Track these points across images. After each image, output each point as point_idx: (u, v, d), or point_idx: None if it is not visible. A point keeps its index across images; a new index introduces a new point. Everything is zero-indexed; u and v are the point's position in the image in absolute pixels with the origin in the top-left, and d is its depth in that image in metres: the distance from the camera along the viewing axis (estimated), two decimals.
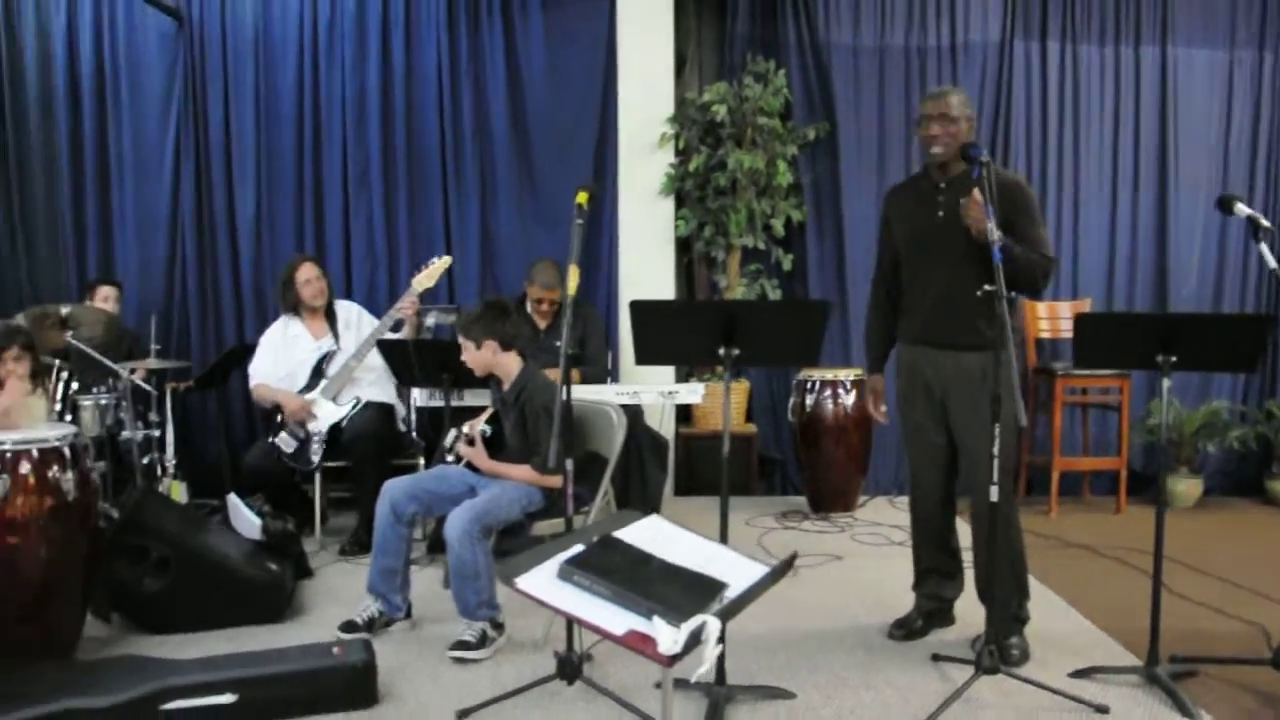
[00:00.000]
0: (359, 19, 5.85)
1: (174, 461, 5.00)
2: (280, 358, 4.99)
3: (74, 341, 4.64)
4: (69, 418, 4.65)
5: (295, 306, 5.01)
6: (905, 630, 3.63)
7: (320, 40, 5.87)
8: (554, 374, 4.86)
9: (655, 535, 2.05)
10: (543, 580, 1.81)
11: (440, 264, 4.95)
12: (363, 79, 5.87)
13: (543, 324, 5.05)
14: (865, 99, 6.06)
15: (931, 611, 3.68)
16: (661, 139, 5.92)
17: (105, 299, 5.30)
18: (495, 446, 3.77)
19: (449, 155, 5.92)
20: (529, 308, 5.08)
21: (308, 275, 4.97)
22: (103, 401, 4.84)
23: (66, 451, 3.27)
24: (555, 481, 3.49)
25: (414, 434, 5.15)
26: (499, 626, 3.52)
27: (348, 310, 5.17)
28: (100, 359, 4.70)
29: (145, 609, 3.69)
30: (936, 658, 3.40)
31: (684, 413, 6.06)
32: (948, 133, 3.29)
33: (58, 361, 4.65)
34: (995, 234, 2.96)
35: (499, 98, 5.93)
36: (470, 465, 3.77)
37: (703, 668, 1.63)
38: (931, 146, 3.33)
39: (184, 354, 5.82)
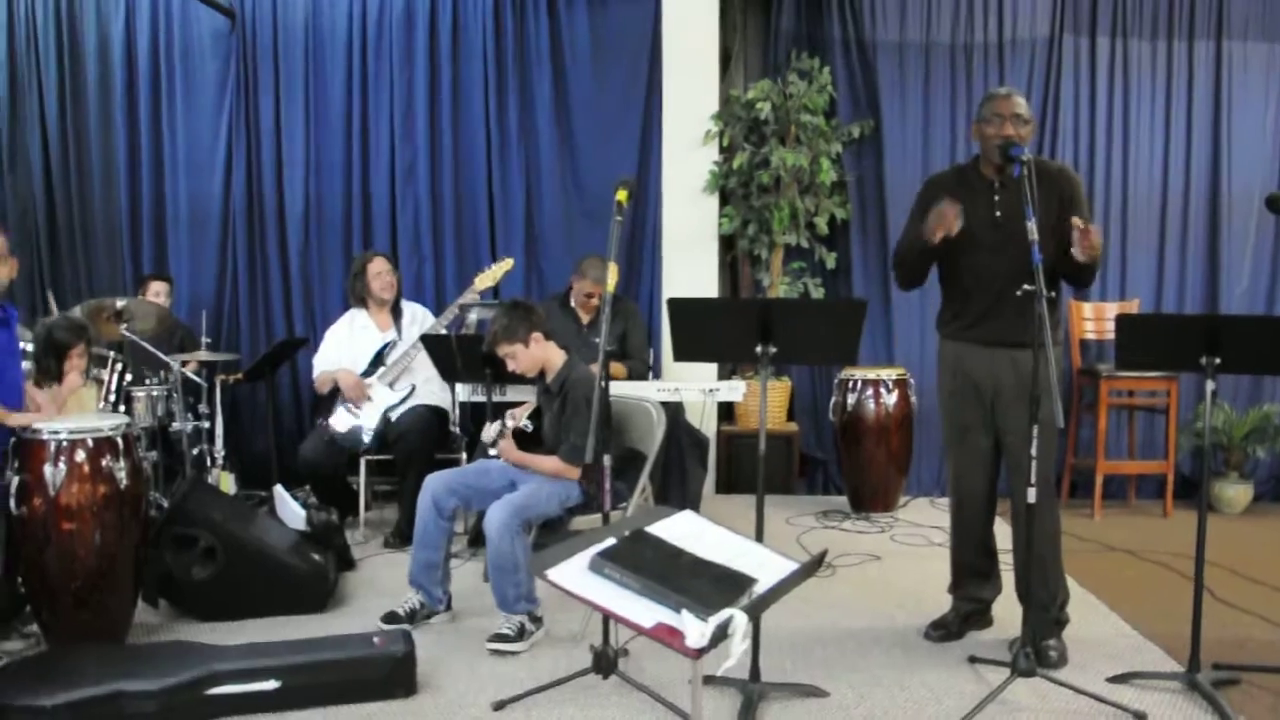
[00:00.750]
0: (407, 15, 5.92)
1: (223, 452, 5.10)
2: (345, 348, 5.11)
3: (128, 334, 4.77)
4: (122, 408, 4.76)
5: (364, 298, 5.14)
6: (942, 631, 3.62)
7: (369, 37, 5.95)
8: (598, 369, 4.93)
9: (687, 530, 2.06)
10: (574, 572, 1.83)
11: (502, 266, 5.08)
12: (410, 75, 5.95)
13: (586, 319, 5.10)
14: (910, 96, 6.02)
15: (969, 613, 3.66)
16: (706, 136, 5.93)
17: (156, 294, 5.42)
18: (534, 441, 3.81)
19: (494, 150, 5.97)
20: (574, 301, 5.13)
21: (379, 268, 5.11)
22: (155, 393, 4.94)
23: (119, 441, 3.37)
24: (577, 473, 3.54)
25: (457, 429, 5.21)
26: (537, 620, 3.56)
27: (414, 309, 5.31)
28: (153, 351, 4.82)
29: (192, 596, 3.78)
30: (973, 659, 3.38)
31: (727, 410, 6.07)
32: (1019, 133, 3.26)
33: (112, 353, 4.77)
34: (1035, 234, 2.94)
35: (544, 93, 5.97)
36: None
37: (729, 661, 1.64)
38: (1010, 145, 3.17)
39: (234, 347, 5.93)
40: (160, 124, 6.00)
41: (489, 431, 3.84)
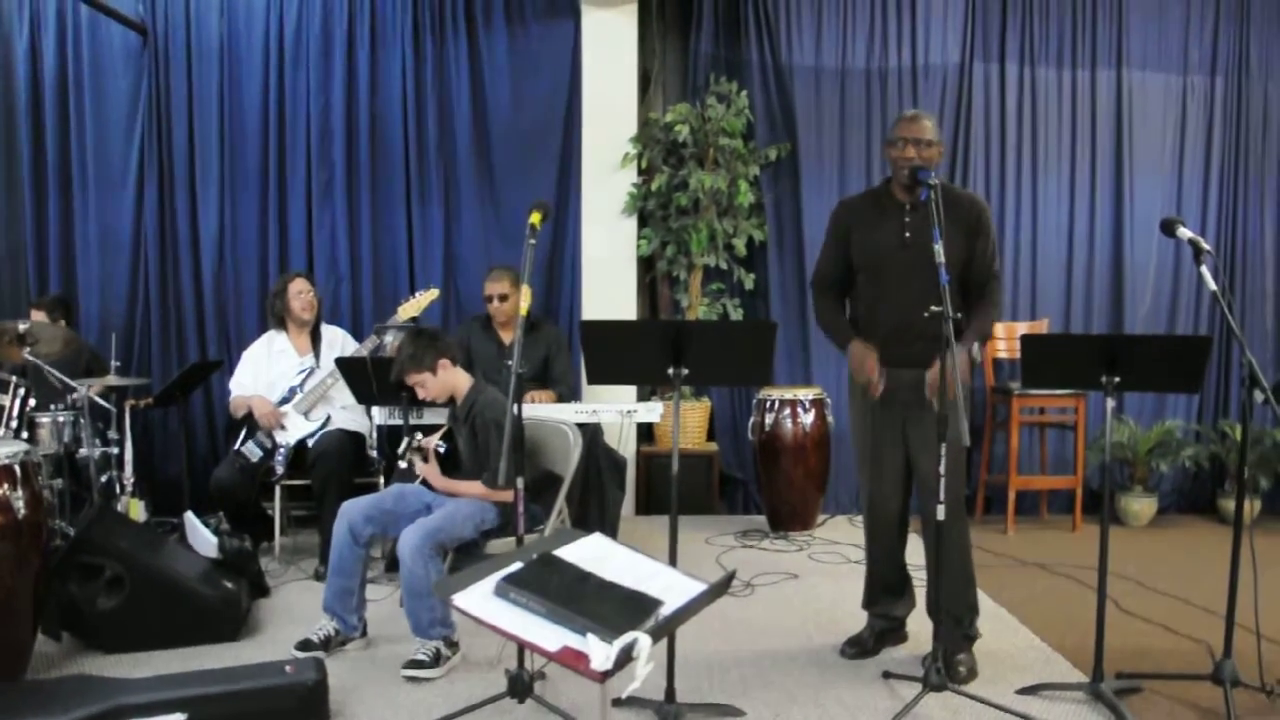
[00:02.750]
0: (324, 35, 5.86)
1: (132, 479, 4.96)
2: (262, 371, 5.02)
3: (31, 358, 4.62)
4: (25, 435, 4.61)
5: (283, 319, 5.06)
6: (857, 649, 3.66)
7: (286, 55, 5.87)
8: (534, 396, 4.92)
9: (596, 553, 2.06)
10: (480, 597, 1.82)
11: (427, 295, 5.04)
12: (327, 95, 5.88)
13: (507, 339, 5.08)
14: (826, 120, 6.13)
15: (884, 630, 3.71)
16: (625, 158, 5.97)
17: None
18: (450, 464, 3.78)
19: (413, 172, 5.93)
20: (493, 323, 5.13)
21: (300, 288, 5.05)
22: (60, 419, 4.81)
23: (17, 470, 3.25)
24: (507, 496, 3.51)
25: (375, 452, 5.14)
26: (453, 645, 3.52)
27: (333, 333, 5.23)
28: (58, 375, 4.67)
29: (98, 628, 3.67)
30: (887, 675, 3.43)
31: (646, 431, 6.09)
32: (922, 156, 3.33)
33: (14, 378, 4.62)
34: (941, 256, 3.01)
35: (463, 114, 5.95)
36: (425, 482, 3.79)
37: (634, 684, 1.65)
38: (906, 169, 3.31)
39: (145, 371, 5.79)
40: (69, 141, 5.84)
41: (402, 446, 3.82)
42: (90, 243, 5.87)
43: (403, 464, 3.79)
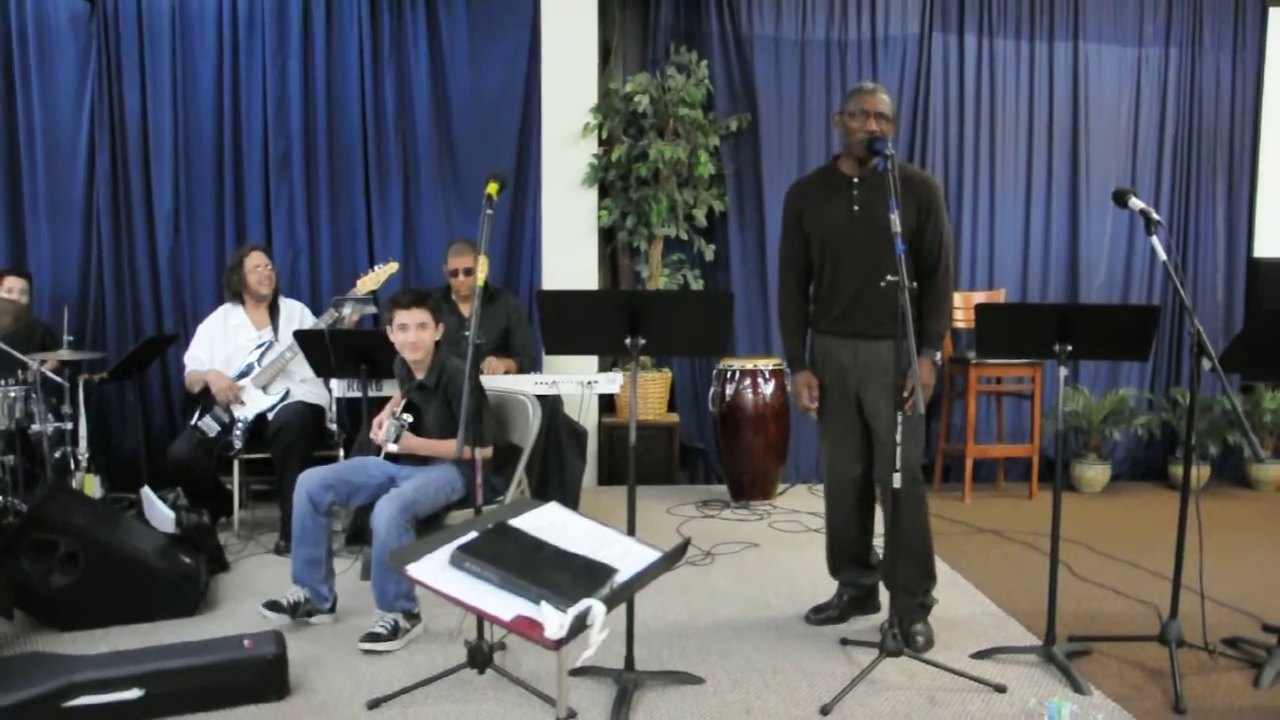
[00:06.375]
0: (279, 3, 5.76)
1: (87, 455, 4.90)
2: (218, 345, 4.96)
3: None
4: None
5: (239, 293, 5.01)
6: (823, 616, 3.70)
7: (240, 24, 5.76)
8: (495, 364, 4.91)
9: (551, 522, 2.07)
10: (435, 567, 1.82)
11: (386, 269, 5.00)
12: (283, 64, 5.78)
13: (467, 311, 5.06)
14: (786, 91, 6.13)
15: (854, 599, 3.74)
16: (585, 129, 5.94)
17: (10, 290, 5.17)
18: (415, 432, 3.75)
19: (371, 143, 5.86)
20: (454, 296, 5.10)
21: (256, 262, 5.00)
22: (12, 394, 4.73)
23: None
24: (485, 453, 3.53)
25: (334, 425, 5.12)
26: (414, 617, 3.53)
27: (291, 306, 5.17)
28: (8, 350, 4.60)
29: (53, 605, 3.63)
30: (845, 642, 3.48)
31: (608, 403, 6.10)
32: (881, 129, 3.33)
33: None
34: (898, 226, 3.02)
35: (421, 85, 5.89)
36: (390, 456, 3.74)
37: (588, 651, 1.66)
38: (865, 140, 3.31)
39: (100, 345, 5.70)
40: (14, 111, 5.69)
41: (390, 428, 3.71)
42: (40, 214, 5.74)
43: (393, 447, 3.68)
